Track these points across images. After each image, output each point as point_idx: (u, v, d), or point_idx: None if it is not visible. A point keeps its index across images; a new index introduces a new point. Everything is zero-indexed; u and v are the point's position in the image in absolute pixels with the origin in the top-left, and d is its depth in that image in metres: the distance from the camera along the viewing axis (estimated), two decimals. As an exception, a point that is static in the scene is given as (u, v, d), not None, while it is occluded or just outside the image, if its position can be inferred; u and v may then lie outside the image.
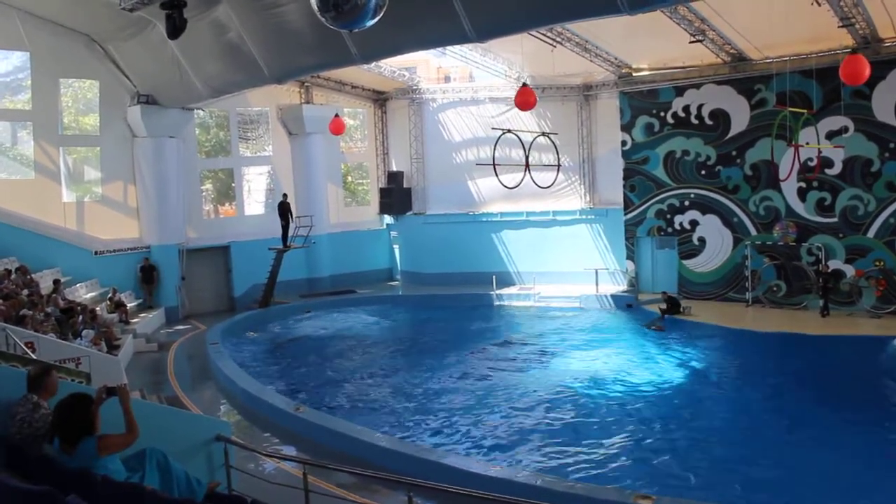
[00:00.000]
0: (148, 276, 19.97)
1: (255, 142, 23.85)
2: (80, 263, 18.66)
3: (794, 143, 15.41)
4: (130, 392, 9.68)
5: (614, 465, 9.62)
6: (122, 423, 4.97)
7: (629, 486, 8.52)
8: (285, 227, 21.31)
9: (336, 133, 21.69)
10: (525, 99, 16.29)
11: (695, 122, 20.34)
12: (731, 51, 18.36)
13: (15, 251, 16.84)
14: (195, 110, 21.22)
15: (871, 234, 17.74)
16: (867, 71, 13.04)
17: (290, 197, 22.16)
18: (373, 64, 20.90)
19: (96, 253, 19.23)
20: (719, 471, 9.42)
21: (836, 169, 17.97)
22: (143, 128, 19.67)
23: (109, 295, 18.16)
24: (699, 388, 13.44)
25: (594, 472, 9.34)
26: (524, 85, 16.78)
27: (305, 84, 23.51)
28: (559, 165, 19.22)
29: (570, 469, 9.46)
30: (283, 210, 21.33)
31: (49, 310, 13.01)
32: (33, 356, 8.66)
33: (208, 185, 25.16)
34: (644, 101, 21.21)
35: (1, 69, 18.66)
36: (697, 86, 20.18)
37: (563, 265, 22.91)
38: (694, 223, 20.72)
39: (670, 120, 20.77)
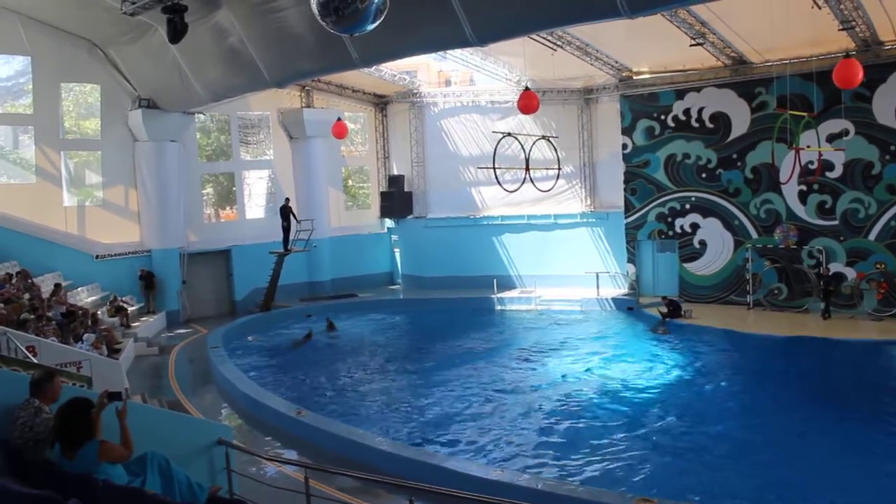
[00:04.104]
0: (148, 282, 20.00)
1: (256, 146, 23.87)
2: (81, 267, 18.68)
3: (794, 146, 15.41)
4: (131, 396, 9.70)
5: (616, 468, 9.60)
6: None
7: (631, 489, 8.50)
8: (286, 230, 21.32)
9: (339, 137, 21.68)
10: (528, 103, 16.25)
11: (695, 125, 20.36)
12: (732, 54, 18.37)
13: (16, 255, 16.85)
14: (196, 114, 21.22)
15: (872, 236, 17.73)
16: (860, 74, 13.01)
17: (291, 201, 22.14)
18: (373, 68, 20.95)
19: (97, 257, 19.24)
20: (721, 474, 9.39)
21: (837, 172, 17.98)
22: (144, 132, 19.69)
23: (110, 299, 18.17)
24: (701, 391, 13.41)
25: (596, 475, 9.32)
26: (526, 89, 16.79)
27: (306, 88, 23.54)
28: (559, 169, 19.23)
29: (572, 472, 9.44)
30: (285, 213, 21.35)
31: (51, 313, 13.00)
32: (34, 360, 8.67)
33: (209, 189, 25.18)
34: (645, 105, 21.23)
35: (2, 73, 18.70)
36: (698, 89, 20.19)
37: (564, 269, 22.92)
38: (695, 226, 20.71)
39: (671, 123, 20.79)
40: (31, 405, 4.99)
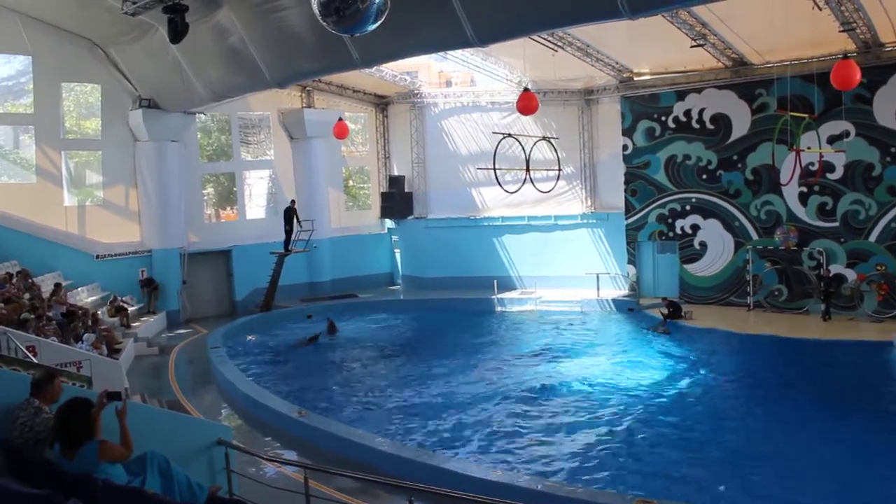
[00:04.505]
0: (149, 287, 20.01)
1: (257, 146, 23.86)
2: (82, 267, 18.68)
3: (795, 147, 15.41)
4: (131, 396, 9.70)
5: (616, 468, 9.61)
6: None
7: (631, 489, 8.49)
8: (289, 232, 21.32)
9: (340, 137, 21.70)
10: (527, 104, 16.25)
11: (696, 126, 20.36)
12: (733, 55, 18.37)
13: (16, 255, 16.86)
14: (197, 114, 21.23)
15: (872, 238, 17.73)
16: (858, 76, 12.99)
17: (296, 203, 22.11)
18: (374, 68, 20.94)
19: (97, 257, 19.24)
20: (721, 474, 9.39)
21: (838, 173, 17.97)
22: (145, 132, 19.70)
23: (110, 299, 18.16)
24: (701, 392, 13.41)
25: (596, 475, 9.32)
26: (526, 90, 16.79)
27: (307, 88, 23.54)
28: (560, 170, 19.23)
29: (571, 473, 9.43)
30: (289, 215, 21.35)
31: (51, 313, 12.99)
32: (34, 360, 8.67)
33: (210, 189, 25.18)
34: (645, 106, 21.23)
35: (3, 73, 18.72)
36: (699, 90, 20.19)
37: (565, 269, 22.91)
38: (695, 228, 20.70)
39: (671, 124, 20.79)
40: (30, 405, 5.00)
